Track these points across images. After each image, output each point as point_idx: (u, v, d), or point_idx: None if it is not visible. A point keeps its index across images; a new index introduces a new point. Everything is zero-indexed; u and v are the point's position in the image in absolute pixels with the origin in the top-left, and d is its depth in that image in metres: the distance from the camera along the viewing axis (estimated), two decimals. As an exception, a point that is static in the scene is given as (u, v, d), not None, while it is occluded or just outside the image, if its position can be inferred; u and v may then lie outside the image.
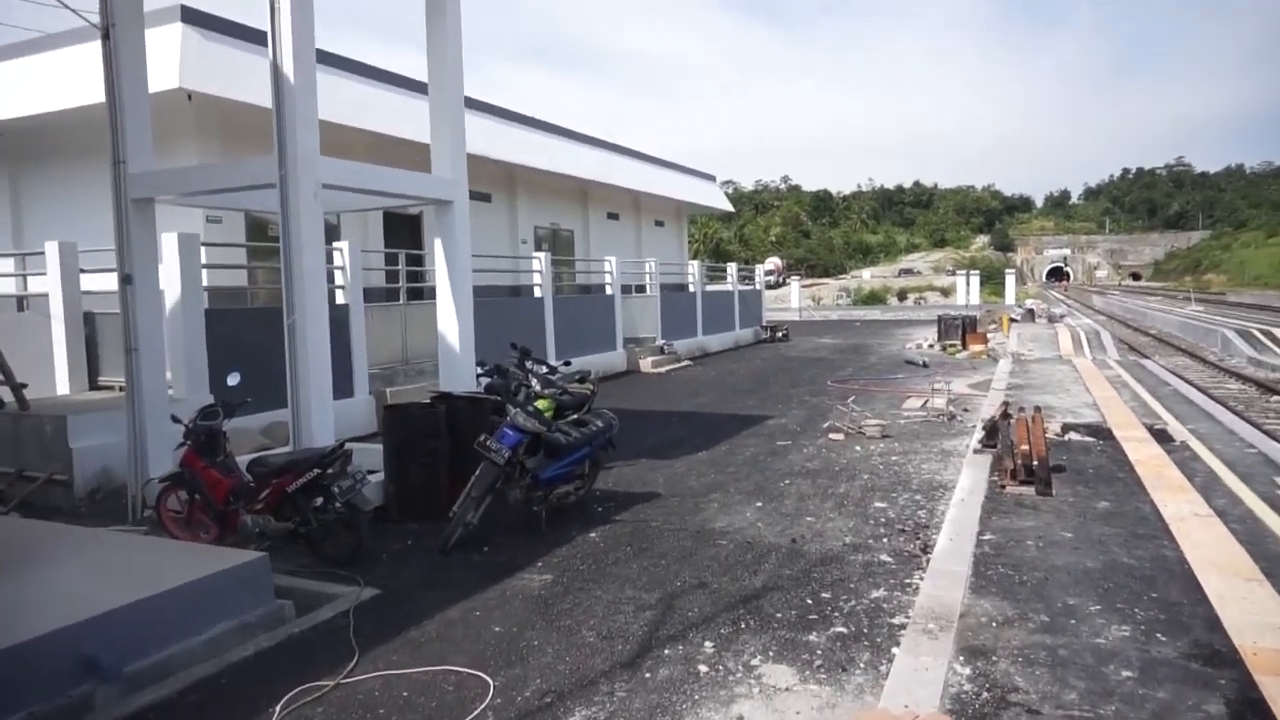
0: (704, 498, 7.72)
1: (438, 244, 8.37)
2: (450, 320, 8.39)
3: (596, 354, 17.47)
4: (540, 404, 8.64)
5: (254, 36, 10.70)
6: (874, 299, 63.35)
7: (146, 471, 7.35)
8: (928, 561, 5.65)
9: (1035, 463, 7.16)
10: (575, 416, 7.71)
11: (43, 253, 9.79)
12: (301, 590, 5.51)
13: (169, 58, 10.44)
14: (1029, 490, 6.84)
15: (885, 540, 6.31)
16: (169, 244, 8.92)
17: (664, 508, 7.42)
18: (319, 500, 5.91)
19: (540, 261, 15.96)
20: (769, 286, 71.06)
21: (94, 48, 11.49)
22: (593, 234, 22.45)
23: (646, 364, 18.67)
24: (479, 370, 9.88)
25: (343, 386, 11.07)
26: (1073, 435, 9.15)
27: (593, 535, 6.64)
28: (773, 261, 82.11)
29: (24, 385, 8.39)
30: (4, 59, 12.31)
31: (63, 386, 9.82)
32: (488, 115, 17.86)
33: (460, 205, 8.34)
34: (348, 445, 6.15)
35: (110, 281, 9.87)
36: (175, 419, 6.38)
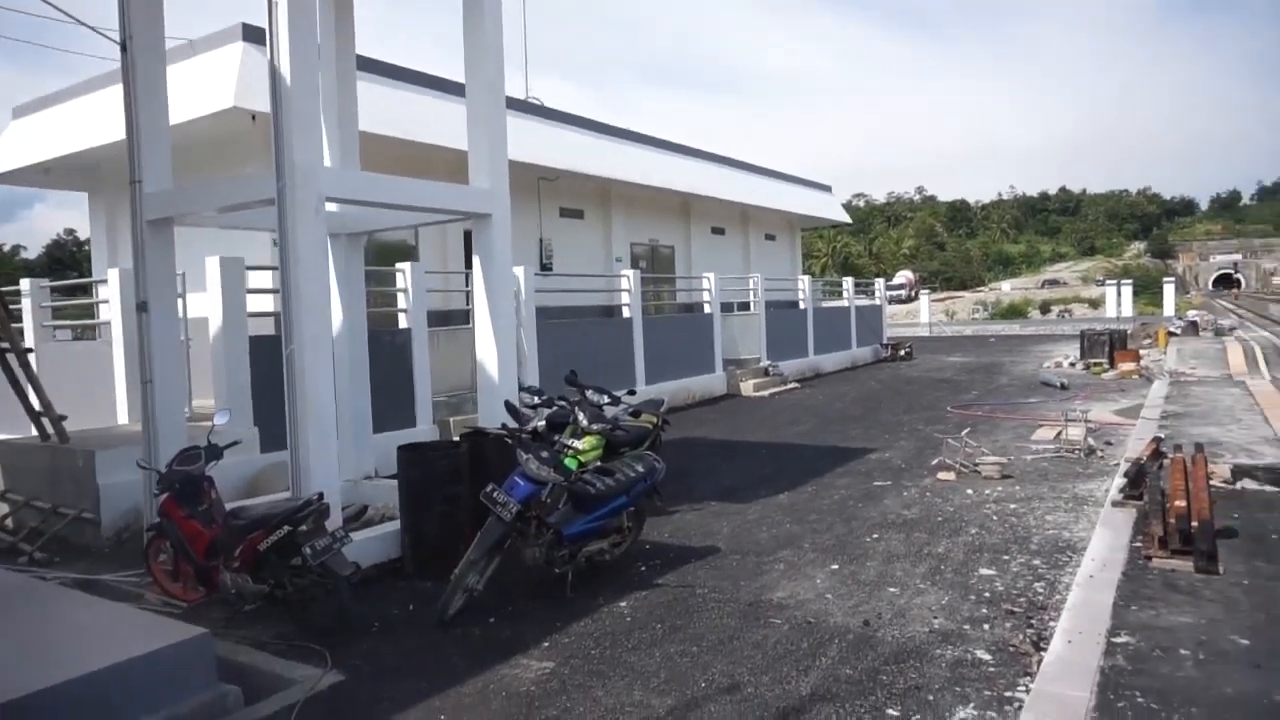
0: (770, 556, 6.50)
1: (475, 262, 7.53)
2: (489, 347, 7.53)
3: (693, 377, 16.41)
4: (585, 442, 7.67)
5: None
6: (1013, 312, 59.13)
7: (161, 513, 6.82)
8: (1038, 664, 4.26)
9: (1194, 523, 5.57)
10: (598, 465, 6.67)
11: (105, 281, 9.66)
12: (261, 671, 4.70)
13: (227, 77, 10.18)
14: (1185, 564, 5.25)
15: (987, 626, 4.92)
16: (211, 268, 8.54)
17: (719, 568, 6.25)
18: (297, 560, 5.11)
19: (629, 279, 15.04)
20: (901, 301, 68.10)
21: (175, 71, 11.53)
22: (695, 250, 21.38)
23: (748, 387, 17.41)
24: (534, 400, 9.04)
25: (404, 415, 10.50)
26: (1247, 483, 7.35)
27: (622, 605, 5.56)
28: (903, 275, 78.48)
29: (63, 417, 8.11)
30: (95, 90, 12.51)
31: (122, 416, 9.61)
32: (579, 128, 17.21)
33: (500, 219, 7.48)
34: (325, 498, 5.34)
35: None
36: (142, 465, 5.74)
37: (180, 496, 5.49)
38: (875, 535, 6.92)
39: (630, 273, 15.15)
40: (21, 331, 11.26)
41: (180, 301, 9.19)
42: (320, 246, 6.02)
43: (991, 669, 4.36)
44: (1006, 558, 6.18)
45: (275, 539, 5.03)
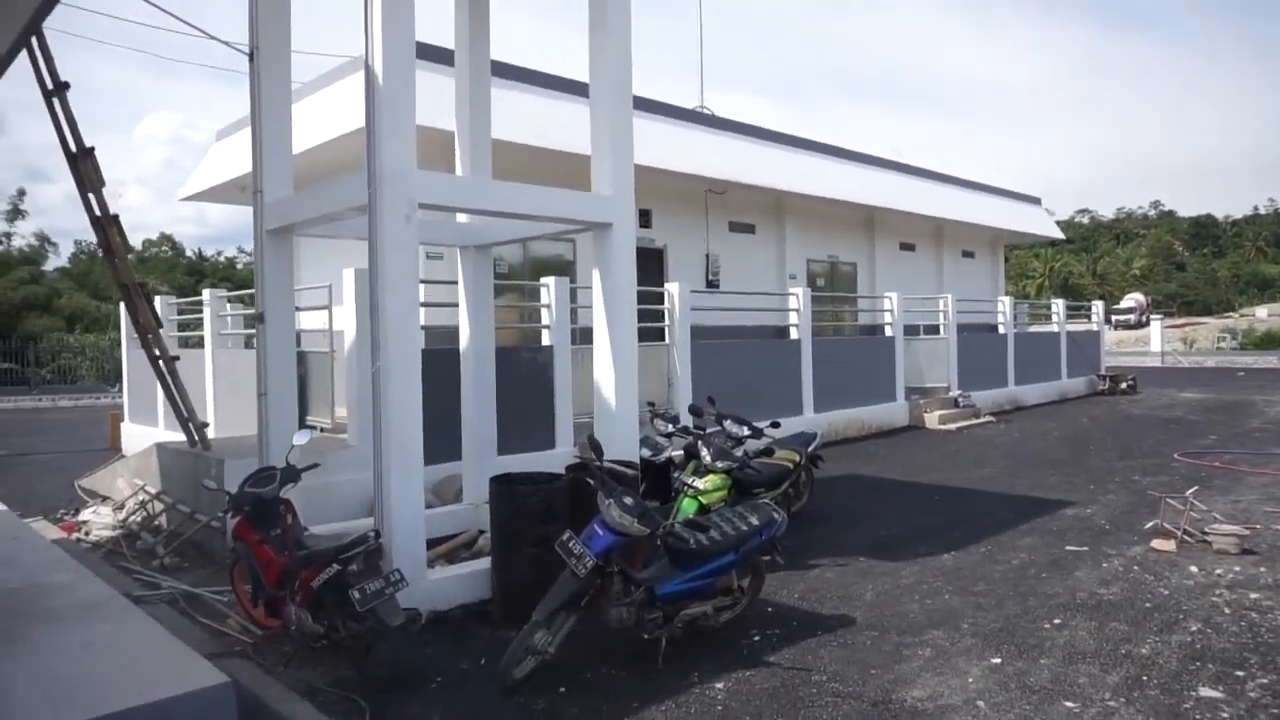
0: (916, 637, 5.31)
1: (594, 276, 6.89)
2: (607, 370, 6.83)
3: (868, 406, 15.01)
4: (708, 481, 6.83)
5: (438, 55, 10.09)
6: (1271, 342, 51.30)
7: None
8: None
9: None
10: (717, 510, 5.75)
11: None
12: (294, 727, 4.21)
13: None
14: None
15: (1201, 781, 3.56)
16: (348, 281, 8.46)
17: (848, 648, 5.16)
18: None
19: (798, 298, 13.95)
20: (1129, 326, 61.30)
21: (339, 88, 11.84)
22: (880, 268, 19.81)
23: (933, 419, 15.72)
24: (669, 429, 8.28)
25: (543, 436, 10.06)
26: None
27: (718, 687, 4.63)
28: (1133, 298, 71.05)
29: (205, 424, 8.28)
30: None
31: (274, 425, 9.80)
32: (752, 138, 16.34)
33: (623, 228, 6.79)
34: (381, 536, 4.81)
35: (321, 319, 9.79)
36: (208, 486, 5.48)
37: (252, 519, 5.18)
38: (1057, 620, 5.54)
39: (799, 290, 14.04)
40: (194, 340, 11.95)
41: (327, 314, 9.34)
42: (410, 256, 5.57)
43: None
44: (1241, 674, 4.65)
45: (325, 577, 4.56)
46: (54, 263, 44.99)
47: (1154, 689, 4.48)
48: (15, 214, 37.69)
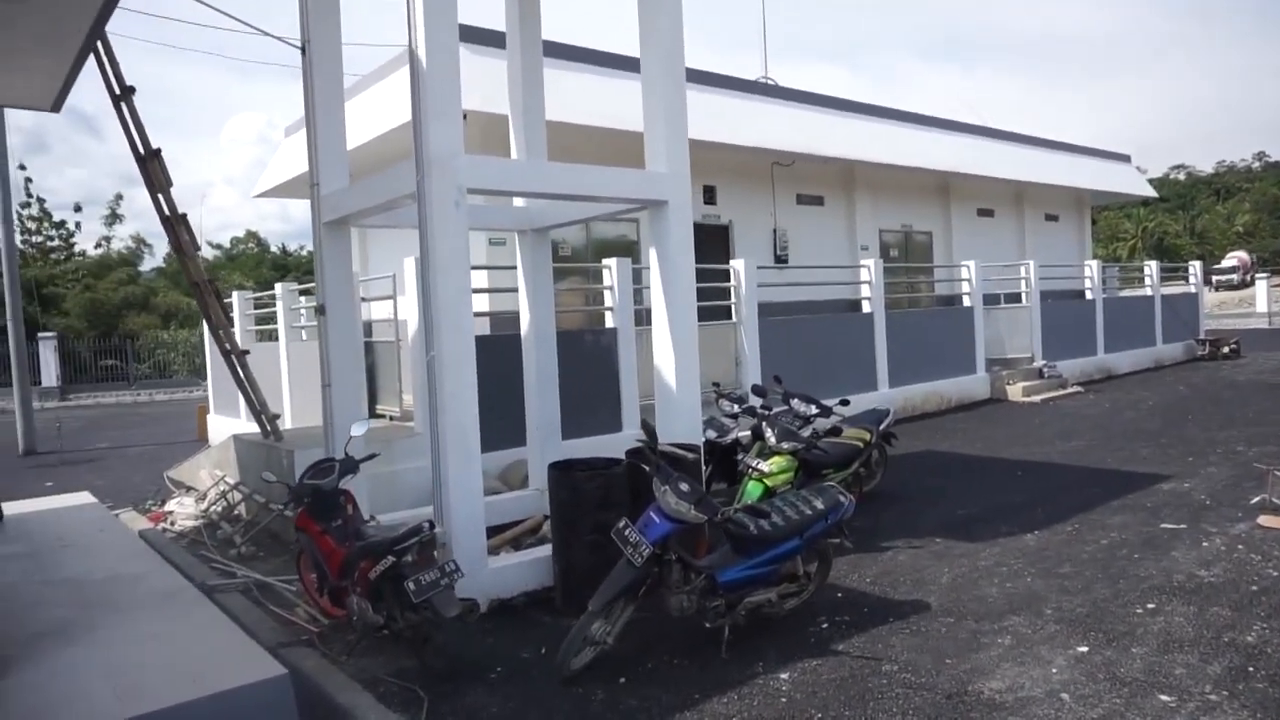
0: (995, 623, 5.03)
1: (651, 255, 6.72)
2: (666, 350, 6.67)
3: (947, 379, 14.49)
4: (773, 464, 6.63)
5: (492, 40, 10.01)
6: (1392, 299, 47.74)
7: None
8: None
9: None
10: (782, 494, 5.54)
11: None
12: (352, 717, 4.21)
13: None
14: None
15: (1316, 785, 3.24)
16: (409, 270, 8.50)
17: (922, 635, 4.92)
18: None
19: (870, 270, 13.50)
20: (1232, 287, 57.91)
21: (394, 79, 11.89)
22: (956, 236, 19.05)
23: (1016, 391, 15.09)
24: (735, 409, 8.09)
25: (610, 420, 10.00)
26: None
27: (783, 677, 4.46)
28: (1236, 257, 66.96)
29: (276, 416, 8.45)
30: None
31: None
32: (819, 107, 15.85)
33: (678, 205, 6.60)
34: (436, 526, 4.76)
35: (387, 309, 9.92)
36: (267, 479, 5.53)
37: (313, 511, 5.22)
38: (1151, 605, 5.17)
39: (870, 262, 13.59)
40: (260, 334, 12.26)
41: (392, 303, 9.44)
42: (460, 242, 5.50)
43: None
44: (1360, 663, 4.25)
45: (382, 569, 4.55)
46: (149, 263, 47.08)
47: (1261, 681, 4.12)
48: (113, 218, 39.64)
